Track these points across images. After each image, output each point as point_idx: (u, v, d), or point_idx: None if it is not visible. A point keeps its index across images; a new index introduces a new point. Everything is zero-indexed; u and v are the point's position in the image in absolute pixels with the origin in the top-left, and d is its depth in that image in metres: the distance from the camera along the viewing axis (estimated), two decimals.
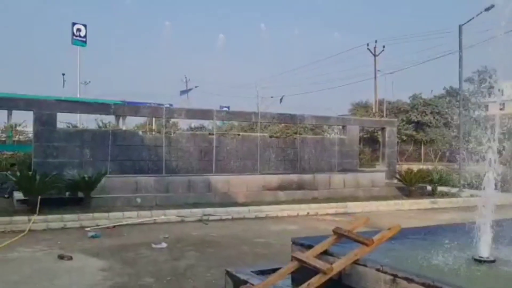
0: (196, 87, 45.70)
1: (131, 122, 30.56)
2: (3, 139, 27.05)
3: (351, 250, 4.01)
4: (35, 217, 10.59)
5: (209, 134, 18.35)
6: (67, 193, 12.85)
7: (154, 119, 35.07)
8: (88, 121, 29.84)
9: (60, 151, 15.44)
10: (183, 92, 45.66)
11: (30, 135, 31.03)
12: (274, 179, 16.08)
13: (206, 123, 32.75)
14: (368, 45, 42.13)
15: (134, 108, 16.45)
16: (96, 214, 11.33)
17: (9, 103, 14.73)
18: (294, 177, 16.50)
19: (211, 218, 12.29)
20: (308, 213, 13.80)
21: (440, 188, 18.04)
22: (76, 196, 12.62)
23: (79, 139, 15.79)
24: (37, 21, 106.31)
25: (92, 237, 9.50)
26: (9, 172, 14.52)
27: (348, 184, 17.26)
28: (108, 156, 16.05)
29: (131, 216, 11.65)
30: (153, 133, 17.49)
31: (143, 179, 14.04)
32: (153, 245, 8.58)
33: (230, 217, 12.60)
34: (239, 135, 18.83)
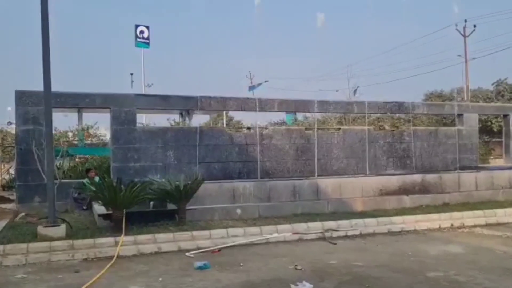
0: (265, 81, 43.10)
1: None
2: (75, 142, 25.86)
3: None
4: (122, 238, 8.38)
5: (306, 129, 15.66)
6: (151, 204, 10.68)
7: (224, 114, 33.22)
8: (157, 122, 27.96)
9: (141, 153, 13.37)
10: (251, 88, 43.30)
11: (103, 137, 29.92)
12: (392, 181, 13.14)
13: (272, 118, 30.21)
14: (457, 25, 37.74)
15: (221, 101, 14.12)
16: (195, 233, 8.97)
17: (84, 99, 12.86)
18: (416, 177, 13.45)
19: (334, 234, 9.61)
20: (452, 224, 10.75)
21: None
22: (165, 207, 10.39)
23: (161, 139, 13.65)
24: (103, 26, 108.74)
25: (200, 268, 7.08)
26: (86, 179, 12.64)
27: (481, 185, 13.99)
28: (195, 158, 13.81)
29: (237, 234, 9.20)
30: (244, 130, 14.98)
31: (241, 185, 11.61)
32: (293, 286, 5.99)
33: (357, 232, 9.85)
34: (339, 129, 15.99)
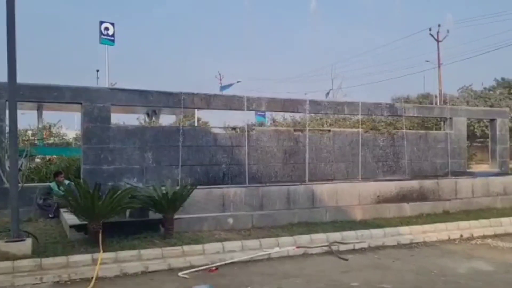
0: (238, 82, 41.87)
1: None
2: (36, 142, 23.86)
3: None
4: (101, 255, 7.05)
5: (295, 130, 14.62)
6: (127, 213, 9.31)
7: (197, 113, 31.79)
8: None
9: (116, 154, 11.97)
10: (223, 88, 41.95)
11: (67, 137, 27.94)
12: (390, 187, 12.26)
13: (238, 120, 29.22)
14: (430, 30, 37.85)
15: (205, 98, 12.87)
16: (187, 248, 7.72)
17: (51, 93, 11.34)
18: (414, 184, 12.63)
19: (341, 247, 8.58)
20: (461, 235, 9.93)
21: None
22: (145, 217, 9.07)
23: (138, 139, 12.29)
24: (67, 22, 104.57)
25: None
26: (54, 183, 11.15)
27: (477, 191, 13.34)
28: (177, 160, 12.52)
29: (234, 249, 8.03)
30: (229, 130, 13.79)
31: (231, 191, 10.40)
32: None
33: (365, 245, 8.85)
34: (329, 131, 15.04)
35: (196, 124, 28.63)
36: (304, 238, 8.70)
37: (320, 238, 8.82)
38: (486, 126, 24.73)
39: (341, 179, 14.73)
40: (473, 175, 14.92)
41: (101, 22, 43.36)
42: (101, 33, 42.47)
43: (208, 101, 13.09)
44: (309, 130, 14.66)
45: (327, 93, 38.58)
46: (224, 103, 13.28)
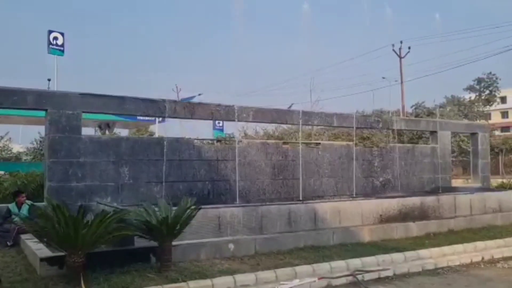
0: (199, 94, 40.35)
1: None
2: None
3: None
4: None
5: (284, 143, 13.47)
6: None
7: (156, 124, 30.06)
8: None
9: (87, 170, 10.33)
10: (184, 100, 40.38)
11: (15, 150, 25.42)
12: (392, 204, 11.32)
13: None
14: (393, 46, 38.25)
15: (189, 107, 11.49)
16: (192, 284, 6.29)
17: (11, 97, 9.58)
18: (415, 200, 11.78)
19: (366, 276, 7.44)
20: (482, 258, 9.07)
21: None
22: (131, 245, 7.54)
23: (113, 152, 10.71)
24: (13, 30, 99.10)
25: None
26: (12, 205, 9.37)
27: (475, 208, 12.70)
28: (155, 176, 11.05)
29: (247, 283, 6.68)
30: (214, 143, 12.44)
31: (228, 211, 9.04)
32: None
33: (390, 272, 7.76)
34: (318, 144, 14.00)
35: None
36: (322, 267, 7.48)
37: (340, 266, 7.63)
38: (462, 141, 24.78)
39: (331, 195, 13.74)
40: (467, 190, 14.35)
41: (50, 31, 40.52)
42: (49, 42, 39.71)
43: (192, 110, 11.72)
44: (297, 143, 13.56)
45: (290, 107, 37.90)
46: (209, 113, 11.95)
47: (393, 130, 16.01)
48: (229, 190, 12.07)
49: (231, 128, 35.84)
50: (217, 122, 40.41)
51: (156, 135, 28.56)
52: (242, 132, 24.90)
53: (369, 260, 8.04)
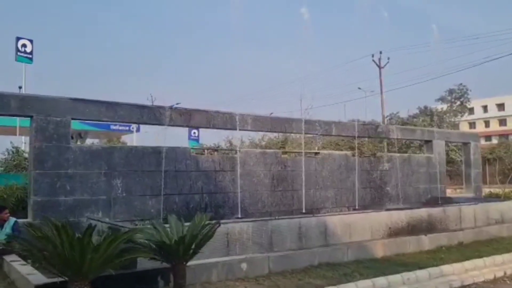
0: (177, 104, 39.35)
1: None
2: None
3: None
4: None
5: (283, 153, 12.83)
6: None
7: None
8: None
9: (76, 182, 9.42)
10: None
11: None
12: (401, 217, 10.82)
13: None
14: (373, 56, 38.44)
15: (185, 113, 10.70)
16: None
17: None
18: (422, 212, 11.32)
19: None
20: (505, 273, 8.65)
21: None
22: (133, 267, 6.70)
23: (105, 162, 9.83)
24: None
25: None
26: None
27: (479, 219, 12.38)
28: (150, 188, 10.22)
29: None
30: (212, 153, 11.69)
31: (236, 227, 8.30)
32: None
33: None
34: (317, 153, 13.42)
35: None
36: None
37: (366, 285, 6.99)
38: (452, 150, 24.75)
39: (330, 207, 13.19)
40: (467, 200, 14.03)
41: (18, 38, 38.73)
42: (17, 49, 37.92)
43: (189, 117, 10.97)
44: (297, 153, 12.96)
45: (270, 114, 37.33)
46: (205, 120, 11.22)
47: (388, 139, 15.62)
48: (228, 203, 11.34)
49: (207, 138, 35.05)
50: (192, 132, 39.60)
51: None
52: (228, 140, 24.21)
53: (394, 278, 7.42)
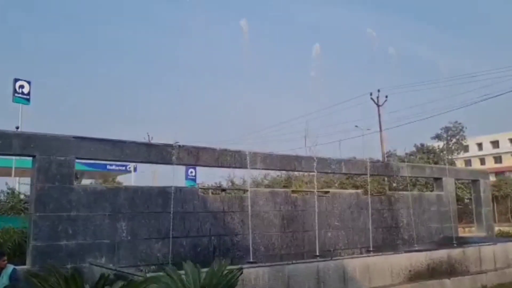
0: (176, 143, 39.04)
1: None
2: None
3: None
4: None
5: (292, 191, 12.36)
6: None
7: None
8: None
9: (79, 225, 8.88)
10: None
11: None
12: (420, 259, 10.26)
13: None
14: (371, 94, 38.62)
15: (193, 152, 10.29)
16: None
17: None
18: (442, 253, 10.76)
19: None
20: None
21: None
22: None
23: (110, 204, 9.32)
24: None
25: None
26: None
27: (499, 260, 11.81)
28: (157, 231, 9.67)
29: None
30: (219, 192, 11.22)
31: (252, 272, 7.72)
32: None
33: None
34: (327, 192, 12.95)
35: None
36: None
37: None
38: (459, 188, 24.31)
39: (342, 248, 12.61)
40: (486, 240, 13.49)
41: (16, 80, 38.77)
42: (15, 91, 37.82)
43: (197, 156, 10.55)
44: (307, 192, 12.50)
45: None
46: (215, 158, 10.80)
47: (396, 176, 15.23)
48: (237, 245, 10.77)
49: (205, 178, 34.47)
50: (189, 171, 39.05)
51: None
52: (230, 180, 23.66)
53: None
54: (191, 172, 38.54)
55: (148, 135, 46.46)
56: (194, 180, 38.17)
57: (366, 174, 13.49)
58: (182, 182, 32.46)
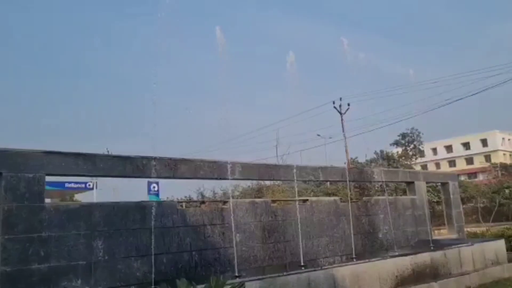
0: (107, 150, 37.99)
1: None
2: None
3: None
4: None
5: (272, 201, 12.07)
6: None
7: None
8: None
9: (51, 246, 8.22)
10: None
11: None
12: (405, 263, 10.24)
13: None
14: (334, 103, 39.13)
15: (170, 164, 9.85)
16: None
17: None
18: (425, 257, 10.80)
19: None
20: None
21: None
22: None
23: (84, 222, 8.69)
24: None
25: None
26: None
27: (477, 260, 11.98)
28: (136, 249, 9.12)
29: None
30: (198, 205, 10.78)
31: (247, 286, 7.35)
32: None
33: None
34: (305, 200, 12.74)
35: None
36: None
37: None
38: (427, 191, 24.77)
39: (324, 257, 12.41)
40: (460, 241, 13.65)
41: None
42: None
43: (174, 168, 10.09)
44: (287, 201, 12.26)
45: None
46: (193, 170, 10.37)
47: (371, 182, 15.26)
48: (219, 260, 10.34)
49: (170, 192, 33.71)
50: (152, 186, 38.13)
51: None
52: (199, 193, 23.12)
53: None
54: (154, 187, 37.60)
55: (108, 151, 45.17)
56: (157, 195, 37.23)
57: (345, 181, 13.40)
58: (144, 197, 31.58)
